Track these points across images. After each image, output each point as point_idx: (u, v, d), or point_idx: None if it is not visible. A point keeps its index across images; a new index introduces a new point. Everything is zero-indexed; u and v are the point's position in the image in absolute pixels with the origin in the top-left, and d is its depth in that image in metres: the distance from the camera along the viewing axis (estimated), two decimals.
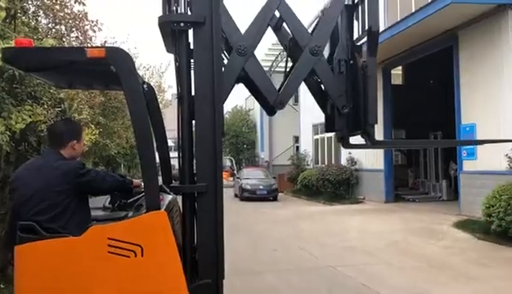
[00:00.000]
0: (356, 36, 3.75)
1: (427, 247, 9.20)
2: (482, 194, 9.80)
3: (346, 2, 3.66)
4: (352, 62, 3.63)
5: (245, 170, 24.08)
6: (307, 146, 23.95)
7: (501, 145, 9.16)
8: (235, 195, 21.90)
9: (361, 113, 3.53)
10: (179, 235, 3.19)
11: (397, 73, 19.17)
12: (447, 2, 10.40)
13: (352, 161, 18.06)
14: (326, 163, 20.47)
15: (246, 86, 3.68)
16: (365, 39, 3.63)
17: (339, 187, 17.73)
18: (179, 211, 3.51)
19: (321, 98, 3.88)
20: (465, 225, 10.55)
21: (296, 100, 23.84)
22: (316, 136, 22.93)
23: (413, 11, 12.86)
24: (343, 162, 18.72)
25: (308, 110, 23.40)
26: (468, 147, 11.84)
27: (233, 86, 3.47)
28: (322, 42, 3.56)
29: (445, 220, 11.57)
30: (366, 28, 3.56)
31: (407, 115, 17.27)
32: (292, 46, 3.69)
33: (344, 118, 3.65)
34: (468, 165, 12.07)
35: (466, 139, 11.67)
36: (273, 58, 26.94)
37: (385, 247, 9.33)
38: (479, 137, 11.25)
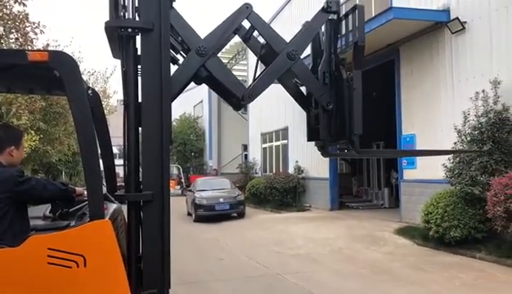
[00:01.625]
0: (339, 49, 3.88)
1: (370, 254, 9.50)
2: (421, 202, 10.26)
3: (330, 17, 3.80)
4: (336, 74, 3.76)
5: (199, 180, 18.80)
6: (255, 154, 24.12)
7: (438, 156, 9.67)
8: (188, 213, 17.11)
9: (346, 123, 3.65)
10: (124, 245, 3.12)
11: None
12: (390, 17, 10.88)
13: (299, 169, 18.38)
14: (274, 172, 20.70)
15: (210, 85, 3.71)
16: (347, 52, 3.78)
17: (286, 195, 17.98)
18: (124, 220, 3.43)
19: (303, 101, 4.01)
20: (406, 232, 10.99)
21: (245, 109, 23.98)
22: (264, 145, 23.14)
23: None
24: (291, 170, 19.00)
25: (257, 119, 23.64)
26: (409, 157, 12.36)
27: (186, 84, 3.48)
28: (300, 47, 3.67)
29: (386, 226, 12.00)
30: (351, 42, 3.71)
31: None
32: (266, 53, 3.77)
33: (327, 125, 3.76)
34: (408, 174, 12.60)
35: (408, 149, 12.18)
36: (226, 61, 27.03)
37: (330, 254, 9.55)
38: (418, 147, 11.80)
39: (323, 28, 3.87)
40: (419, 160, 11.83)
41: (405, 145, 12.44)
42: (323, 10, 3.73)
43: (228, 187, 17.34)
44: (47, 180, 3.32)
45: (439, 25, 11.14)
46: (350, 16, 3.73)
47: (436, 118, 11.29)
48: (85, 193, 3.19)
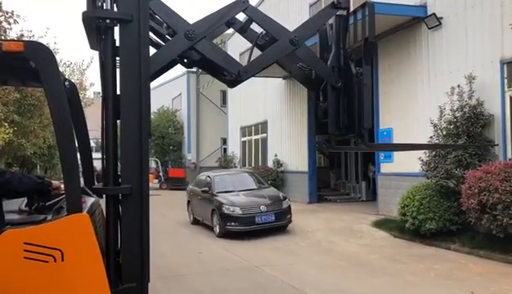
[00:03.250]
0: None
1: (347, 246, 9.63)
2: (398, 195, 10.43)
3: (339, 13, 3.83)
4: (345, 69, 3.80)
5: (216, 177, 12.70)
6: (234, 148, 24.10)
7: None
8: (196, 221, 12.92)
9: (355, 117, 3.69)
10: (102, 239, 3.08)
11: None
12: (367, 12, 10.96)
13: (278, 163, 18.44)
14: (253, 165, 20.72)
15: (203, 67, 3.79)
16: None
17: None
18: (102, 213, 3.39)
19: (312, 83, 4.04)
20: (383, 224, 11.16)
21: (224, 102, 23.92)
22: (243, 138, 23.13)
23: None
24: (270, 164, 19.05)
25: (236, 113, 23.60)
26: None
27: (169, 65, 3.51)
28: (303, 35, 3.71)
29: (364, 219, 12.17)
30: (360, 38, 3.77)
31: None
32: (266, 42, 3.81)
33: (335, 118, 3.78)
34: (385, 167, 12.78)
35: (385, 142, 12.34)
36: None
37: (309, 247, 9.65)
38: (395, 141, 11.97)
39: (332, 23, 3.91)
40: (396, 154, 12.01)
41: (382, 139, 12.60)
42: (333, 5, 3.79)
43: (258, 186, 12.50)
44: (23, 173, 3.25)
45: (416, 21, 11.29)
46: (359, 13, 3.81)
47: (413, 112, 11.46)
48: (62, 186, 3.14)
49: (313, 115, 16.65)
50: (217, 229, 11.12)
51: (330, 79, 3.79)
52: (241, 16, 3.78)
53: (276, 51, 3.68)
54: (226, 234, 10.76)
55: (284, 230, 11.13)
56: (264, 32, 3.81)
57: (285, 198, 11.43)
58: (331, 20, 3.90)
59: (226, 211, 10.78)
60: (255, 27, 3.87)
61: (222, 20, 3.56)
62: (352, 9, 3.92)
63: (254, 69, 3.66)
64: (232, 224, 10.68)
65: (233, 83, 3.86)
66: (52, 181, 3.25)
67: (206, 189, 11.97)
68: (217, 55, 3.57)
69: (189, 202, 13.70)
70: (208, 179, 12.61)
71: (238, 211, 10.72)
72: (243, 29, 3.87)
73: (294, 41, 3.63)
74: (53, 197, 3.26)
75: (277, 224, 10.91)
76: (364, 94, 3.66)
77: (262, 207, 10.77)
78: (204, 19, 3.48)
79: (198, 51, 3.45)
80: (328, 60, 3.84)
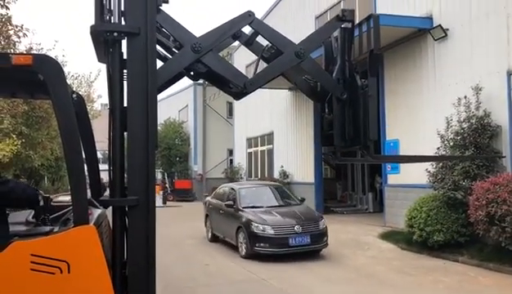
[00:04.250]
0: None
1: (354, 258, 9.55)
2: (405, 206, 10.36)
3: (344, 26, 3.88)
4: (350, 80, 3.83)
5: (241, 189, 11.45)
6: (240, 159, 24.10)
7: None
8: (215, 238, 11.78)
9: (360, 128, 3.71)
10: (108, 250, 3.09)
11: None
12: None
13: (284, 174, 18.40)
14: (260, 176, 20.68)
15: (209, 79, 3.84)
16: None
17: None
18: (108, 225, 3.40)
19: (317, 96, 4.07)
20: (390, 236, 11.07)
21: (230, 114, 23.98)
22: (249, 150, 23.14)
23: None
24: (276, 175, 19.02)
25: (242, 124, 23.64)
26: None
27: (176, 78, 3.55)
28: (309, 47, 3.76)
29: (371, 231, 12.08)
30: (365, 50, 3.80)
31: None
32: (272, 54, 3.85)
33: (341, 128, 3.80)
34: (392, 179, 12.72)
35: (392, 154, 12.29)
36: None
37: (316, 259, 9.57)
38: (402, 152, 11.92)
39: (337, 35, 3.95)
40: (403, 165, 11.95)
41: (389, 150, 12.56)
42: (338, 18, 3.85)
43: (288, 202, 11.11)
44: (27, 184, 3.26)
45: (422, 32, 11.31)
46: (364, 25, 3.84)
47: (419, 123, 11.43)
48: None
49: (319, 126, 16.69)
50: (242, 250, 9.86)
51: (335, 91, 3.81)
52: (247, 29, 3.82)
53: (282, 63, 3.70)
54: (253, 256, 9.51)
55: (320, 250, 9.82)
56: (270, 44, 3.84)
57: (321, 218, 10.14)
58: (336, 33, 3.93)
59: (255, 230, 9.48)
60: (261, 40, 3.90)
61: (228, 33, 3.60)
62: (357, 21, 3.95)
63: (260, 81, 3.68)
64: (262, 245, 9.40)
65: (239, 96, 3.88)
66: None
67: (231, 202, 10.72)
68: (223, 68, 3.60)
69: (207, 216, 12.43)
70: (233, 191, 11.31)
71: (269, 230, 9.42)
72: (249, 42, 3.92)
73: (299, 53, 3.65)
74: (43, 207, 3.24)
75: (313, 247, 9.56)
76: (369, 106, 3.67)
77: (297, 228, 9.42)
78: (210, 32, 3.52)
79: (204, 63, 3.49)
80: (333, 72, 3.86)
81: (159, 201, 22.18)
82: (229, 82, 3.71)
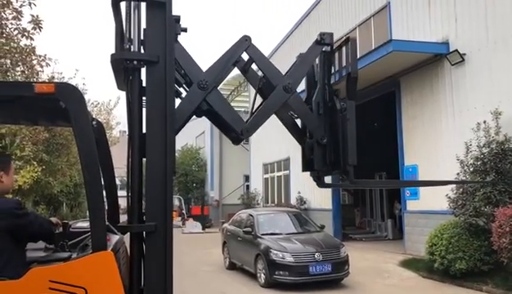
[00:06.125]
0: (332, 80, 3.92)
1: (374, 286, 9.34)
2: (425, 233, 10.16)
3: (324, 49, 3.85)
4: (330, 104, 3.79)
5: (260, 216, 11.22)
6: (257, 185, 24.04)
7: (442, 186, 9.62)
8: (232, 266, 11.60)
9: (340, 153, 3.65)
10: (126, 276, 3.08)
11: None
12: (389, 50, 11.05)
13: (301, 200, 18.29)
14: (276, 202, 20.56)
15: (210, 118, 3.71)
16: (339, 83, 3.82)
17: None
18: (126, 251, 3.40)
19: (298, 133, 4.00)
20: (410, 264, 10.83)
21: (247, 140, 24.04)
22: (266, 175, 23.10)
23: (358, 57, 13.51)
24: (293, 201, 18.90)
25: (259, 150, 23.68)
26: (411, 187, 12.32)
27: (189, 117, 3.50)
28: (296, 79, 3.71)
29: (391, 258, 11.84)
30: (344, 73, 3.76)
31: None
32: (263, 85, 3.80)
33: (322, 156, 3.74)
34: (411, 205, 12.52)
35: (410, 179, 12.14)
36: (228, 92, 27.31)
37: (335, 287, 9.38)
38: (421, 178, 11.76)
39: (317, 59, 3.91)
40: (423, 191, 11.78)
41: (407, 176, 12.41)
42: (317, 42, 3.78)
43: (307, 229, 10.84)
44: (45, 219, 3.27)
45: (438, 57, 11.30)
46: (343, 48, 3.78)
47: (438, 148, 11.31)
48: (59, 222, 3.29)
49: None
50: (261, 278, 9.58)
51: (316, 133, 3.74)
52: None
53: (273, 103, 3.64)
54: (272, 285, 9.23)
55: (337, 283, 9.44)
56: (263, 75, 3.77)
57: (342, 245, 9.84)
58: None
59: (274, 258, 9.21)
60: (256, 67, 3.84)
61: (230, 62, 3.56)
62: (337, 44, 3.87)
63: (255, 126, 3.60)
64: (281, 273, 9.10)
65: (236, 140, 3.80)
66: (51, 219, 3.30)
67: (249, 229, 10.51)
68: (224, 110, 3.53)
69: (224, 243, 12.27)
70: (251, 218, 11.07)
71: (289, 258, 9.11)
72: (245, 69, 3.81)
73: (287, 88, 3.59)
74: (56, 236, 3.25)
75: (334, 276, 9.21)
76: (348, 130, 3.59)
77: (318, 255, 9.09)
78: (213, 65, 3.49)
79: (207, 101, 3.44)
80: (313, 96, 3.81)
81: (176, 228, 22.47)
82: (229, 125, 3.60)
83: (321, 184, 4.02)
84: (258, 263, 9.79)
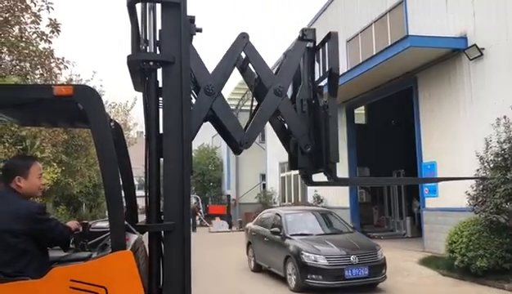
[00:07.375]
0: (317, 77, 3.85)
1: (393, 284, 9.24)
2: (445, 231, 10.02)
3: (307, 45, 3.77)
4: (314, 102, 3.74)
5: (288, 215, 10.56)
6: (273, 184, 24.02)
7: (461, 182, 9.47)
8: (258, 268, 11.13)
9: (323, 151, 3.59)
10: (145, 276, 3.11)
11: (360, 112, 19.72)
12: (406, 45, 10.93)
13: (318, 199, 18.21)
14: (293, 201, 20.52)
15: (213, 124, 3.68)
16: (326, 80, 3.73)
17: None
18: (145, 250, 3.43)
19: (284, 136, 3.93)
20: (430, 262, 10.70)
21: (263, 138, 24.06)
22: (282, 174, 23.06)
23: (374, 53, 13.41)
24: (310, 199, 18.84)
25: (275, 148, 23.65)
26: (430, 184, 12.17)
27: (201, 124, 3.46)
28: (285, 82, 3.64)
29: (410, 256, 11.71)
30: (327, 69, 3.67)
31: (371, 153, 17.69)
32: (257, 87, 3.75)
33: (307, 157, 3.71)
34: (430, 202, 12.36)
35: (427, 176, 12.00)
36: (240, 97, 27.30)
37: (354, 285, 9.31)
38: (440, 174, 11.61)
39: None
40: (441, 188, 11.62)
41: (426, 173, 12.27)
42: (299, 38, 3.71)
43: (340, 229, 10.21)
44: (65, 226, 3.29)
45: (456, 52, 11.13)
46: (326, 44, 3.68)
47: (456, 144, 11.14)
48: (79, 227, 3.34)
49: (353, 147, 16.49)
50: (292, 282, 9.00)
51: (301, 141, 3.67)
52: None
53: (267, 108, 3.58)
54: (304, 289, 8.65)
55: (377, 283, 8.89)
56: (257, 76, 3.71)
57: (379, 247, 9.15)
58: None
59: (306, 260, 8.60)
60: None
61: (231, 62, 3.51)
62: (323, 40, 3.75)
63: (253, 137, 3.54)
64: (314, 277, 8.49)
65: (237, 151, 3.72)
66: (68, 225, 3.31)
67: (277, 229, 9.89)
68: (226, 118, 3.48)
69: (249, 243, 11.69)
70: (278, 217, 10.47)
71: (322, 261, 8.49)
72: (242, 67, 3.76)
73: (277, 91, 3.54)
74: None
75: (372, 280, 8.65)
76: (330, 127, 3.53)
77: (353, 258, 8.47)
78: (216, 68, 3.45)
79: (211, 108, 3.39)
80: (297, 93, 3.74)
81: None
82: (229, 134, 3.54)
83: (308, 182, 3.94)
84: (287, 266, 9.21)
